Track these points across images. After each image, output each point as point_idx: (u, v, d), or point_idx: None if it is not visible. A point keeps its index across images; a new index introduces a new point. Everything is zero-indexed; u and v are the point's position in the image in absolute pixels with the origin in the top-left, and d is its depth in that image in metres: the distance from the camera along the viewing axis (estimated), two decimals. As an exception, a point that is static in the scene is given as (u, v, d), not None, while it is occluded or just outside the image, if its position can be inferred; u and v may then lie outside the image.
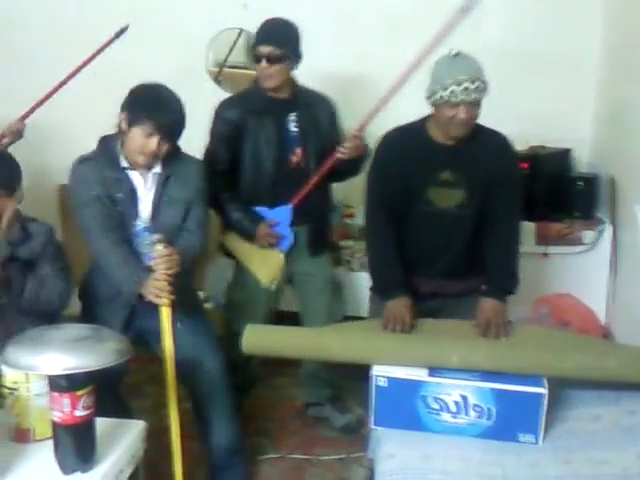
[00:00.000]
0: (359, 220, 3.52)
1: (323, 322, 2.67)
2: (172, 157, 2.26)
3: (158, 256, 2.13)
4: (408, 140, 2.27)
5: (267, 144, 2.59)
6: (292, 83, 2.65)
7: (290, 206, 2.66)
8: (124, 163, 2.23)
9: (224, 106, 2.64)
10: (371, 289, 2.47)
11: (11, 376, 1.66)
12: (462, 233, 2.29)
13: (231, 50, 3.66)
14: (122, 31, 2.91)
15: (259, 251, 2.67)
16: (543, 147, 3.39)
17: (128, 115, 2.17)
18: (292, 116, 2.64)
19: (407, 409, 2.00)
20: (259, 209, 2.66)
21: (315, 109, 2.69)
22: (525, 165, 3.08)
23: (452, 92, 2.06)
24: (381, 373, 2.00)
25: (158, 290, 2.14)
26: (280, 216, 2.66)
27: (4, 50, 3.80)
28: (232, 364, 2.51)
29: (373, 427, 2.07)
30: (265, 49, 2.52)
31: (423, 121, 2.24)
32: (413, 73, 2.55)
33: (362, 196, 3.49)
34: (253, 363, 2.87)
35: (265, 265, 2.69)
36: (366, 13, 3.54)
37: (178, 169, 2.27)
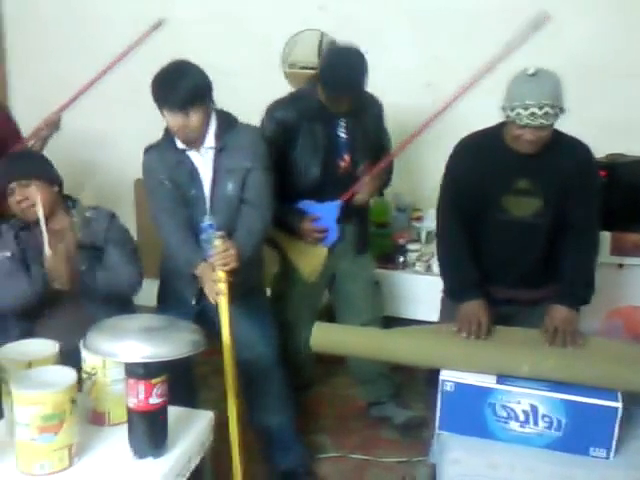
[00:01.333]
0: (427, 223, 3.50)
1: (366, 321, 2.73)
2: (227, 129, 2.30)
3: (216, 252, 2.16)
4: (484, 146, 2.24)
5: (315, 150, 2.63)
6: None
7: (339, 202, 2.68)
8: (180, 145, 2.29)
9: (276, 107, 2.66)
10: (444, 292, 2.44)
11: (90, 361, 1.73)
12: (538, 242, 2.25)
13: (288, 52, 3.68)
14: (156, 26, 2.91)
15: (302, 244, 2.71)
16: (622, 155, 3.28)
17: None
18: (342, 122, 2.66)
19: (474, 415, 1.97)
20: (306, 203, 2.69)
21: (364, 113, 2.72)
22: (603, 173, 2.99)
23: (518, 115, 2.02)
24: (449, 378, 1.98)
25: (217, 288, 2.17)
26: (327, 211, 2.68)
27: (93, 51, 3.94)
28: (284, 361, 2.55)
29: (438, 431, 2.06)
30: (344, 97, 2.56)
31: (500, 127, 2.20)
32: (458, 99, 2.58)
33: (430, 199, 3.49)
34: (310, 361, 2.90)
35: (307, 258, 2.72)
36: (442, 16, 3.50)
37: (232, 140, 2.29)
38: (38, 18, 4.05)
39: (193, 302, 2.35)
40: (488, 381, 1.97)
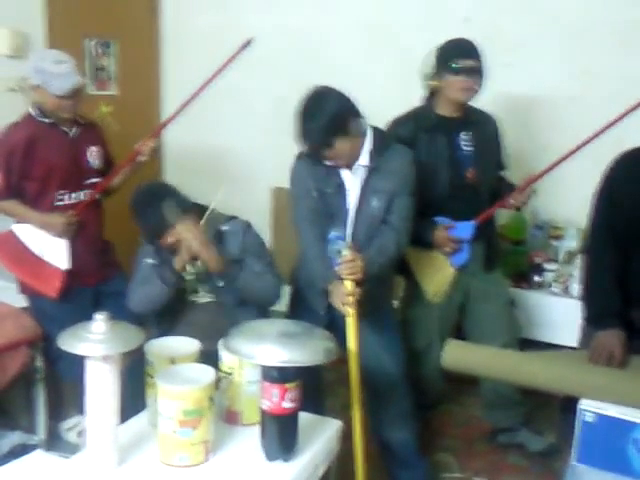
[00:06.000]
0: (567, 242, 3.35)
1: (503, 344, 2.61)
2: (381, 149, 2.29)
3: (343, 261, 2.17)
4: None
5: (440, 162, 2.59)
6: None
7: (473, 223, 2.62)
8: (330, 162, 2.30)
9: (396, 123, 2.64)
10: (583, 318, 2.32)
11: (227, 361, 1.79)
12: None
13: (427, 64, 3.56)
14: (247, 44, 2.79)
15: (431, 262, 2.65)
16: None
17: None
18: (463, 135, 2.62)
19: (616, 450, 1.84)
20: (440, 219, 2.63)
21: (485, 128, 2.68)
22: None
23: None
24: (590, 408, 1.87)
25: (344, 296, 2.18)
26: (462, 231, 2.62)
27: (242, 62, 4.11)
28: (413, 381, 2.51)
29: (573, 463, 1.95)
30: (466, 62, 2.51)
31: None
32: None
33: (571, 217, 3.34)
34: (440, 379, 2.84)
35: (434, 277, 2.66)
36: (592, 27, 3.34)
37: (384, 160, 2.28)
38: (192, 33, 4.25)
39: (322, 313, 2.37)
40: (633, 415, 1.84)
